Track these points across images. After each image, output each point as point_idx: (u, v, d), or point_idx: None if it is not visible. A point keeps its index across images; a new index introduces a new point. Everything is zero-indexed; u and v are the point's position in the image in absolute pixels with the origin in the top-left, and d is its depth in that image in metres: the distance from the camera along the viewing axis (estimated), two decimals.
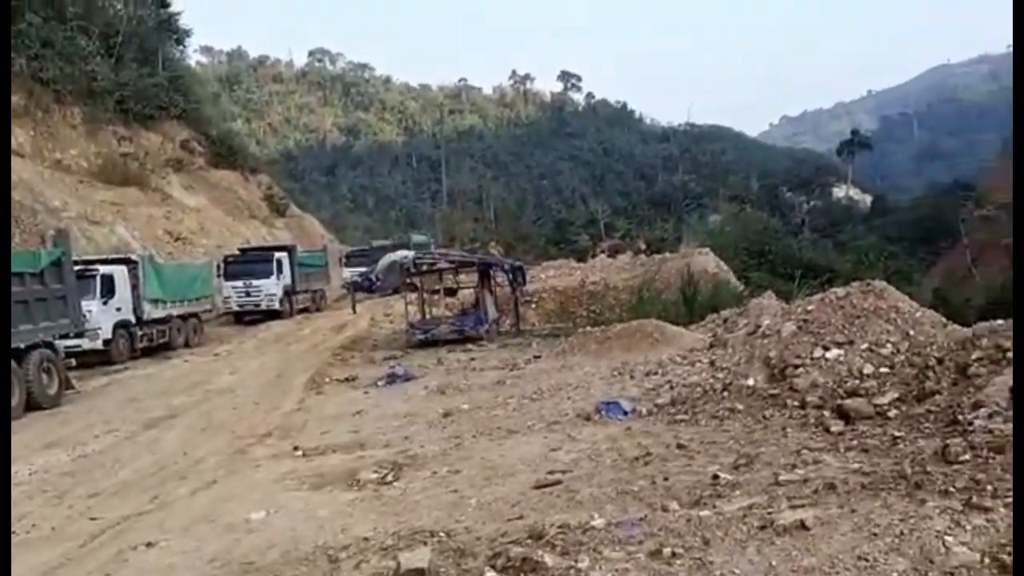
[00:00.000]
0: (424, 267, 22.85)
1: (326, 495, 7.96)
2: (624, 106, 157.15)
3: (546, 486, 7.20)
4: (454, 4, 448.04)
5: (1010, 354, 7.17)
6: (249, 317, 30.11)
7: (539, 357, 16.51)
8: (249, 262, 30.78)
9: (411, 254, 22.92)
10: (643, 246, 51.55)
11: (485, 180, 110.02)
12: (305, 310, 32.58)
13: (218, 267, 29.53)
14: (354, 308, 24.49)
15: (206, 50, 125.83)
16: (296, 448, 10.28)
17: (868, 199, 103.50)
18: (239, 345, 24.12)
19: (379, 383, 15.32)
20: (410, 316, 22.23)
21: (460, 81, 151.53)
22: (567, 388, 12.43)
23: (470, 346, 19.88)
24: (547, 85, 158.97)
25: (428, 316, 22.97)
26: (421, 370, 16.32)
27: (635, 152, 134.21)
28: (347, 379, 16.35)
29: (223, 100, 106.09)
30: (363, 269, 31.48)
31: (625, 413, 10.07)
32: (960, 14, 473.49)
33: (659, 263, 29.42)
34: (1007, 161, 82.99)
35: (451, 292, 25.03)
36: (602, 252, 48.68)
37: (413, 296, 23.23)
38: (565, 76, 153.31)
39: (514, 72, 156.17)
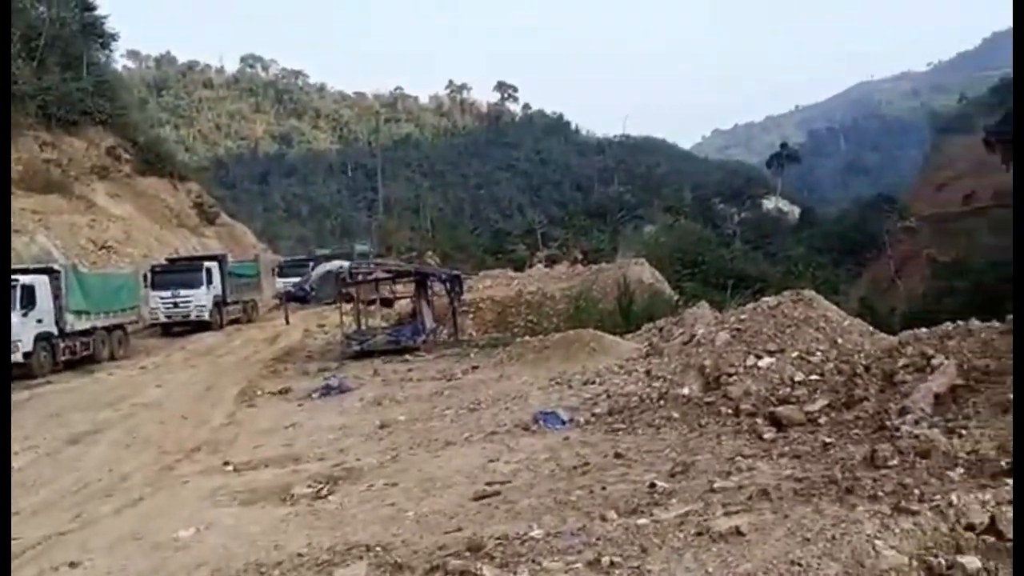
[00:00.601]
0: (360, 277, 22.58)
1: (258, 511, 7.77)
2: (560, 117, 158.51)
3: (484, 497, 7.17)
4: (389, 13, 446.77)
5: (934, 360, 7.41)
6: (178, 328, 29.30)
7: (477, 367, 16.47)
8: (177, 272, 29.96)
9: (347, 264, 22.67)
10: (580, 256, 51.89)
11: (422, 189, 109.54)
12: (236, 321, 31.85)
13: (145, 277, 28.65)
14: (287, 319, 24.06)
15: (133, 54, 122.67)
16: (227, 463, 10.02)
17: (797, 211, 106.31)
18: (167, 358, 23.41)
19: (313, 395, 15.06)
20: (345, 327, 21.94)
21: (396, 90, 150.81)
22: (505, 398, 12.42)
23: (407, 357, 19.70)
24: (484, 95, 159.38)
25: (364, 327, 22.70)
26: (357, 381, 16.10)
27: (571, 163, 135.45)
28: (280, 391, 16.02)
29: (151, 106, 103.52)
30: (297, 279, 31.03)
31: (563, 423, 10.09)
32: (882, 32, 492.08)
33: (596, 273, 29.70)
34: (926, 175, 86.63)
35: (388, 302, 24.82)
36: (539, 262, 48.83)
37: (348, 306, 22.93)
38: (502, 86, 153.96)
39: (451, 82, 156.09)
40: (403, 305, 25.28)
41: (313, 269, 29.68)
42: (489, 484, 7.62)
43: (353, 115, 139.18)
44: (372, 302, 23.22)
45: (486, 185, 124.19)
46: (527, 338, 18.24)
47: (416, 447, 9.86)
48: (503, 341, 20.02)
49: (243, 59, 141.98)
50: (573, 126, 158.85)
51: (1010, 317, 7.11)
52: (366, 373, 17.33)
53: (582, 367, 13.99)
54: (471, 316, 26.03)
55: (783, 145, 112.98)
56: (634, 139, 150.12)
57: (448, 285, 23.84)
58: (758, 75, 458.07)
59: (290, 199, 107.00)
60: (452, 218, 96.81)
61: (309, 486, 8.34)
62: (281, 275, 39.12)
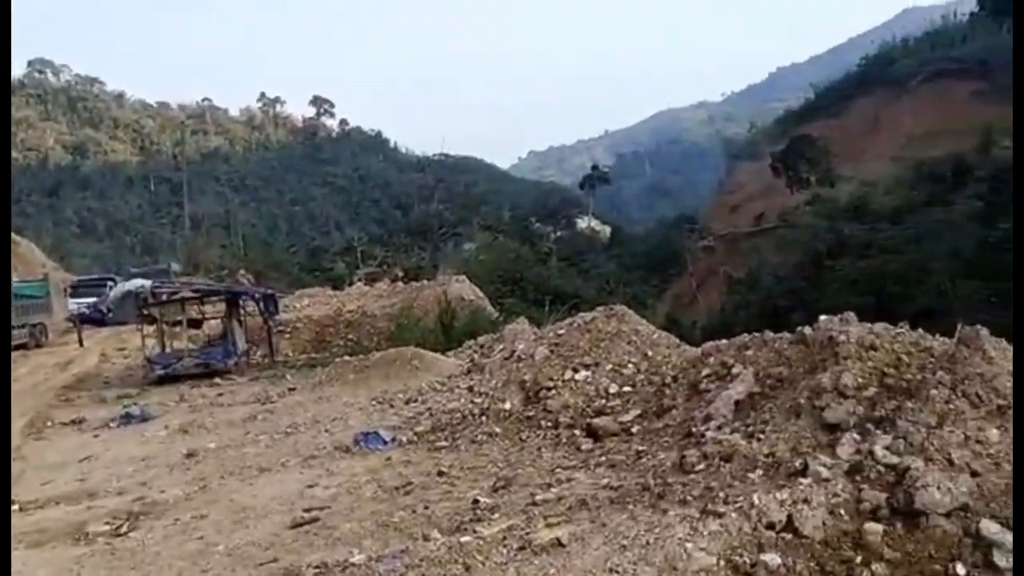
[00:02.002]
0: (164, 296, 21.22)
1: (48, 552, 7.05)
2: (379, 134, 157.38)
3: (302, 524, 6.90)
4: (195, 21, 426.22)
5: (734, 370, 7.92)
6: None
7: (294, 389, 15.91)
8: None
9: (148, 283, 21.22)
10: (400, 274, 51.58)
11: (233, 205, 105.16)
12: (23, 346, 28.86)
13: None
14: (81, 342, 22.13)
15: None
16: (11, 502, 9.01)
17: (608, 230, 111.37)
18: None
19: (112, 424, 13.91)
20: (148, 350, 20.51)
21: (204, 101, 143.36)
22: (324, 420, 12.05)
23: (217, 380, 18.69)
24: (299, 109, 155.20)
25: (169, 349, 21.29)
26: (161, 408, 15.06)
27: (391, 180, 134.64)
28: (73, 421, 14.64)
29: None
30: (93, 300, 28.68)
31: (385, 443, 9.92)
32: (683, 63, 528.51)
33: (417, 291, 29.57)
34: (721, 198, 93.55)
35: (196, 323, 23.43)
36: (359, 280, 48.03)
37: (151, 328, 21.45)
38: (318, 101, 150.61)
39: (263, 94, 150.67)
40: (213, 326, 23.97)
41: (111, 289, 27.65)
42: (307, 510, 7.33)
43: (156, 126, 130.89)
44: (178, 323, 21.81)
45: (302, 201, 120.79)
46: (347, 358, 17.84)
47: (227, 476, 9.32)
48: (322, 361, 19.49)
49: (31, 63, 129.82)
50: (392, 143, 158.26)
51: (800, 328, 7.73)
52: (171, 399, 16.24)
53: (404, 385, 13.85)
54: (287, 336, 25.13)
55: (594, 167, 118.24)
56: (453, 158, 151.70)
57: (262, 304, 22.93)
58: (570, 100, 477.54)
59: (84, 214, 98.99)
60: (266, 235, 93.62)
61: (107, 523, 7.67)
62: (75, 295, 36.01)
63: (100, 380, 20.45)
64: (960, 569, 4.48)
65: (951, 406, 5.65)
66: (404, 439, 10.03)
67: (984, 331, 6.28)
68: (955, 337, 6.38)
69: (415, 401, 12.37)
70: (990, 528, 4.67)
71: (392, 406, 12.47)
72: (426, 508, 6.80)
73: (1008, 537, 4.62)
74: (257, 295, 23.81)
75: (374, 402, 13.00)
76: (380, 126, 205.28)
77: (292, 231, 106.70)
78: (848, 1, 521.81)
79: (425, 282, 34.13)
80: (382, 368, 15.49)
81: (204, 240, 77.45)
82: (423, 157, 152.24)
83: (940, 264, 41.17)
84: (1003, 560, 4.51)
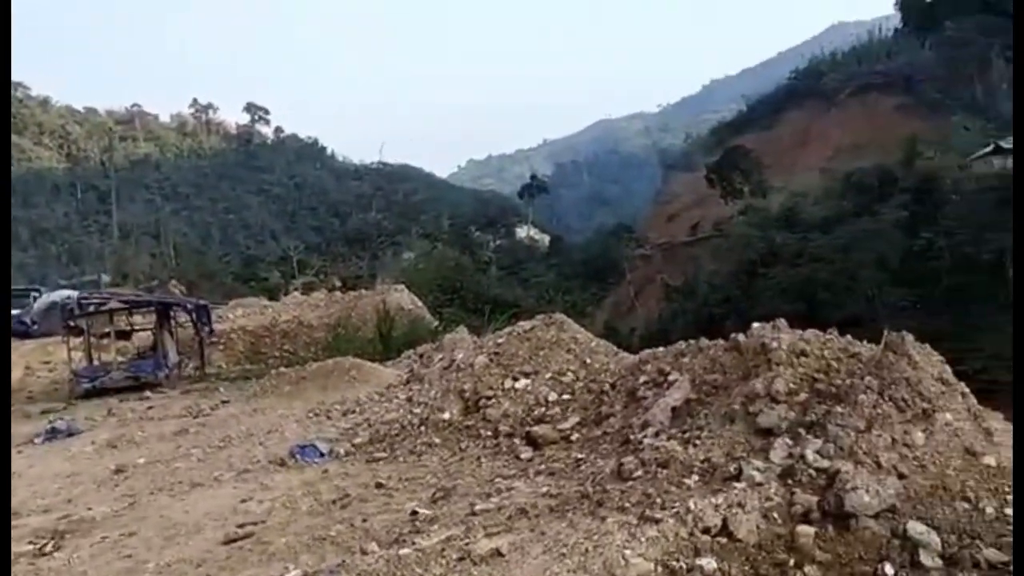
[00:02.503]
0: (91, 308, 20.57)
1: None
2: (316, 142, 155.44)
3: (235, 540, 6.71)
4: (123, 24, 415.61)
5: (671, 376, 8.02)
6: None
7: (227, 402, 15.54)
8: None
9: (75, 294, 20.57)
10: (338, 283, 51.02)
11: (164, 213, 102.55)
12: None
13: None
14: None
15: None
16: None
17: (547, 239, 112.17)
18: None
19: (36, 440, 13.37)
20: (75, 363, 19.83)
21: (133, 107, 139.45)
22: (259, 433, 11.78)
23: (148, 393, 18.18)
24: (232, 116, 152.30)
25: (96, 362, 20.63)
26: (88, 423, 14.53)
27: (328, 188, 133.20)
28: None
29: None
30: (16, 312, 27.56)
31: (322, 455, 9.75)
32: (620, 74, 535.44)
33: (355, 300, 29.26)
34: (658, 207, 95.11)
35: (125, 335, 22.77)
36: (295, 290, 47.34)
37: (78, 340, 20.76)
38: (252, 108, 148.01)
39: (195, 100, 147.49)
40: (143, 338, 23.32)
41: (36, 300, 26.69)
42: (241, 526, 7.14)
43: (83, 132, 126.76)
44: (106, 335, 21.16)
45: (236, 210, 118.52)
46: (283, 369, 17.53)
47: (157, 491, 9.04)
48: (256, 373, 19.13)
49: None
50: (329, 151, 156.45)
51: (734, 335, 7.87)
52: (99, 413, 15.69)
53: (342, 397, 13.66)
54: (221, 348, 24.61)
55: (533, 177, 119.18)
56: (391, 167, 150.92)
57: (194, 315, 22.43)
58: (509, 108, 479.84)
59: None
60: (199, 244, 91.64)
61: (30, 543, 7.34)
62: None
63: (24, 395, 19.72)
64: (888, 569, 4.62)
65: (878, 410, 5.82)
66: (341, 451, 9.87)
67: (909, 337, 6.50)
68: (882, 343, 6.58)
69: (353, 412, 12.20)
70: (916, 529, 4.82)
71: (329, 418, 12.27)
72: (364, 521, 6.69)
73: (933, 537, 4.78)
74: (189, 305, 23.30)
75: (311, 414, 12.77)
76: (317, 134, 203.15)
77: (226, 240, 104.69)
78: (778, 16, 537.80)
79: (363, 291, 33.81)
80: (319, 379, 15.26)
81: (133, 249, 75.48)
82: (361, 165, 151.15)
83: (867, 272, 42.60)
84: (929, 560, 4.66)
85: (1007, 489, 5.26)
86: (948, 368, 6.41)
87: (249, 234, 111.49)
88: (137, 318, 22.80)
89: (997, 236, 36.97)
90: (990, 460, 5.51)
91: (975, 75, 60.33)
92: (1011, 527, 4.88)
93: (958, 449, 5.60)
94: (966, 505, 5.15)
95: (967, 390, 6.34)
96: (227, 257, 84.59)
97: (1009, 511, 5.05)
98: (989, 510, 5.10)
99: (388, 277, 48.74)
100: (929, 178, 46.21)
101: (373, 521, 6.65)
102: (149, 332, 22.70)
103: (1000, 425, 6.46)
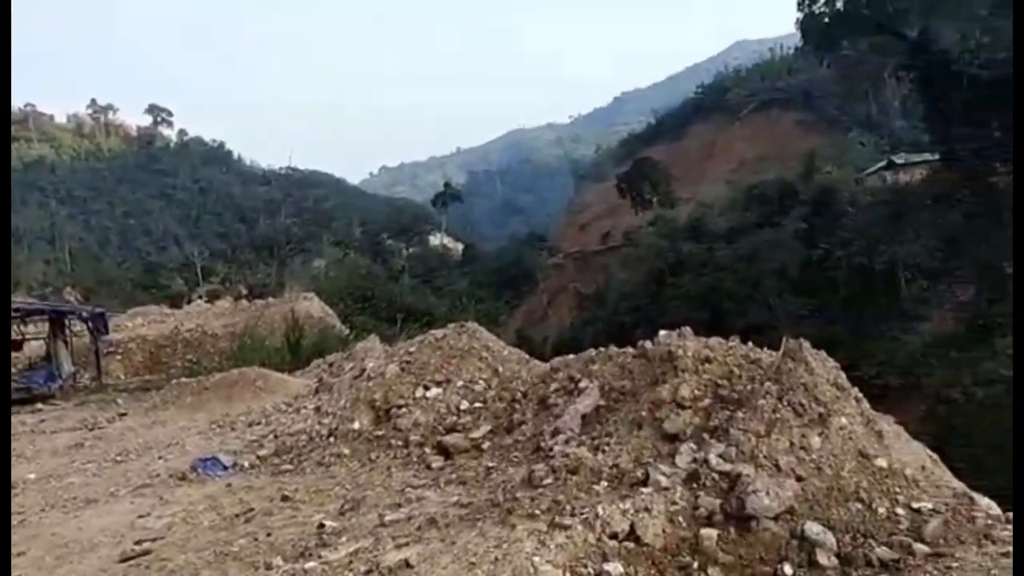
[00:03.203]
0: None
1: None
2: (222, 145, 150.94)
3: (133, 558, 6.46)
4: (17, 19, 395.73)
5: (581, 384, 8.10)
6: None
7: (125, 414, 15.00)
8: None
9: None
10: (245, 291, 49.82)
11: (59, 218, 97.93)
12: None
13: None
14: None
15: None
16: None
17: (460, 247, 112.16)
18: None
19: None
20: None
21: (27, 106, 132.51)
22: (159, 446, 11.36)
23: (40, 406, 17.38)
24: (134, 118, 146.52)
25: None
26: None
27: (234, 193, 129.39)
28: None
29: None
30: None
31: (225, 468, 9.45)
32: (532, 83, 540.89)
33: (262, 308, 28.63)
34: (570, 217, 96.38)
35: (15, 345, 21.64)
36: (199, 297, 45.94)
37: None
38: (154, 109, 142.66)
39: (93, 100, 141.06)
40: (35, 348, 22.22)
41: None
42: (139, 543, 6.86)
43: None
44: None
45: (136, 214, 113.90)
46: (184, 379, 16.95)
47: (49, 508, 8.60)
48: (156, 384, 18.48)
49: None
50: (236, 155, 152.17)
51: (642, 343, 8.02)
52: None
53: (247, 408, 13.30)
54: (119, 358, 23.67)
55: (447, 185, 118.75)
56: (301, 172, 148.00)
57: (90, 324, 21.53)
58: (423, 115, 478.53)
59: None
60: (96, 250, 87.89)
61: None
62: None
63: None
64: (788, 569, 4.78)
65: (777, 415, 6.02)
66: (246, 464, 9.60)
67: (807, 344, 6.75)
68: (781, 350, 6.81)
69: (259, 424, 11.89)
70: (813, 529, 5.01)
71: (234, 429, 11.93)
72: (268, 535, 6.51)
73: (829, 537, 4.97)
74: (84, 314, 22.39)
75: (214, 426, 12.40)
76: (223, 136, 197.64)
77: (125, 246, 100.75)
78: (685, 31, 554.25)
79: (271, 299, 33.12)
80: (223, 390, 14.82)
81: (26, 255, 71.79)
82: (269, 170, 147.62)
83: (769, 281, 44.18)
84: (825, 559, 4.85)
85: (898, 490, 5.52)
86: (843, 374, 6.68)
87: (150, 240, 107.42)
88: (29, 327, 21.74)
89: (889, 247, 38.96)
90: (882, 462, 5.77)
91: (870, 92, 63.45)
92: (901, 527, 5.12)
93: (852, 452, 5.83)
94: (859, 506, 5.37)
95: (860, 395, 6.63)
96: (126, 264, 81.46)
97: (900, 511, 5.30)
98: (881, 510, 5.33)
99: (298, 285, 47.80)
100: (827, 191, 48.32)
101: (278, 535, 6.48)
102: (42, 342, 21.69)
103: (891, 428, 6.77)
